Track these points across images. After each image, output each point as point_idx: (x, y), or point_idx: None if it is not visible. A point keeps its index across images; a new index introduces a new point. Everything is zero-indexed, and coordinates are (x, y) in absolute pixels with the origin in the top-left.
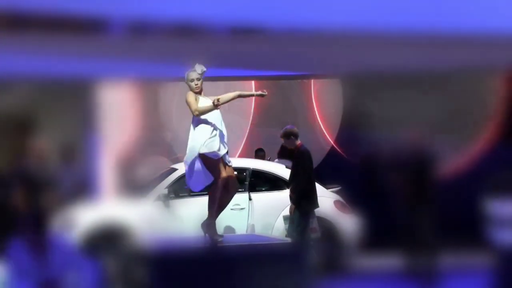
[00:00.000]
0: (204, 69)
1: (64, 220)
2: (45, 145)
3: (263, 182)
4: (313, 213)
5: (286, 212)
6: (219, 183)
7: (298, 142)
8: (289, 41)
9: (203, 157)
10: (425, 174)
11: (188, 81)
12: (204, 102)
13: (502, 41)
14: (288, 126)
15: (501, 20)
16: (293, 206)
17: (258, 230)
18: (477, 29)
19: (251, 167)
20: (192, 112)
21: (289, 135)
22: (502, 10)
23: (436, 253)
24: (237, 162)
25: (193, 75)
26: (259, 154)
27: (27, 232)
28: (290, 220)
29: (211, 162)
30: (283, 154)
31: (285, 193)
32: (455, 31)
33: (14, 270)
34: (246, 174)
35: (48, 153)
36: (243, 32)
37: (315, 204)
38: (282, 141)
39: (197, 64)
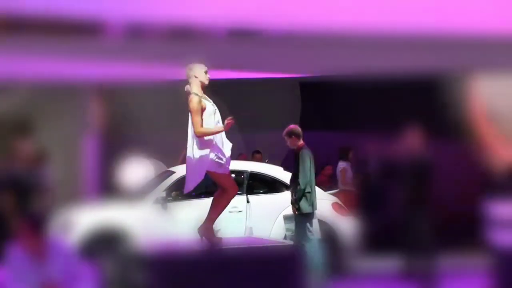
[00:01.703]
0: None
1: (62, 223)
2: (37, 148)
3: (261, 184)
4: (314, 215)
5: (285, 213)
6: (232, 194)
7: (300, 142)
8: (286, 43)
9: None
10: (423, 176)
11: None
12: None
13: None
14: (291, 125)
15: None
16: (294, 208)
17: (256, 233)
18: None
19: (249, 170)
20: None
21: (290, 134)
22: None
23: (434, 255)
24: (234, 164)
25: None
26: (256, 156)
27: (24, 235)
28: (295, 222)
29: (223, 175)
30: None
31: (283, 196)
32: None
33: (13, 274)
34: (244, 176)
35: (39, 156)
36: (240, 34)
37: (313, 206)
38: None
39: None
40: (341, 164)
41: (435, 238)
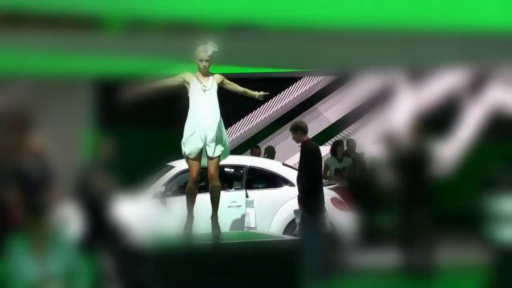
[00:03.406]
0: (215, 49)
1: (61, 218)
2: (41, 143)
3: (260, 179)
4: (322, 210)
5: (285, 207)
6: (190, 186)
7: (306, 137)
8: (286, 38)
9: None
10: (422, 171)
11: (196, 59)
12: (196, 85)
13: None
14: (297, 120)
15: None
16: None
17: (255, 227)
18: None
19: (248, 165)
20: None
21: (296, 129)
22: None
23: (433, 250)
24: (234, 159)
25: (202, 55)
26: (255, 151)
27: (26, 229)
28: (301, 218)
29: (189, 162)
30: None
31: (282, 190)
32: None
33: (13, 268)
34: (243, 171)
35: (44, 150)
36: (240, 29)
37: (321, 202)
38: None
39: (210, 42)
40: (326, 160)
41: (434, 233)
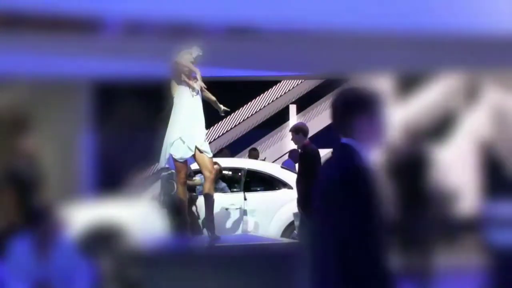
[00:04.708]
0: (200, 53)
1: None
2: (36, 144)
3: (258, 182)
4: None
5: (283, 210)
6: (181, 188)
7: (306, 140)
8: (285, 40)
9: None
10: (419, 176)
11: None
12: (184, 90)
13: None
14: (300, 122)
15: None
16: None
17: (253, 230)
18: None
19: (246, 167)
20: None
21: (298, 131)
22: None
23: (432, 253)
24: (232, 162)
25: (187, 58)
26: (253, 153)
27: (28, 230)
28: (300, 221)
29: (177, 164)
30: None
31: (280, 193)
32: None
33: (14, 270)
34: (241, 174)
35: (39, 152)
36: (238, 31)
37: None
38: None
39: (194, 46)
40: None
41: (433, 237)
